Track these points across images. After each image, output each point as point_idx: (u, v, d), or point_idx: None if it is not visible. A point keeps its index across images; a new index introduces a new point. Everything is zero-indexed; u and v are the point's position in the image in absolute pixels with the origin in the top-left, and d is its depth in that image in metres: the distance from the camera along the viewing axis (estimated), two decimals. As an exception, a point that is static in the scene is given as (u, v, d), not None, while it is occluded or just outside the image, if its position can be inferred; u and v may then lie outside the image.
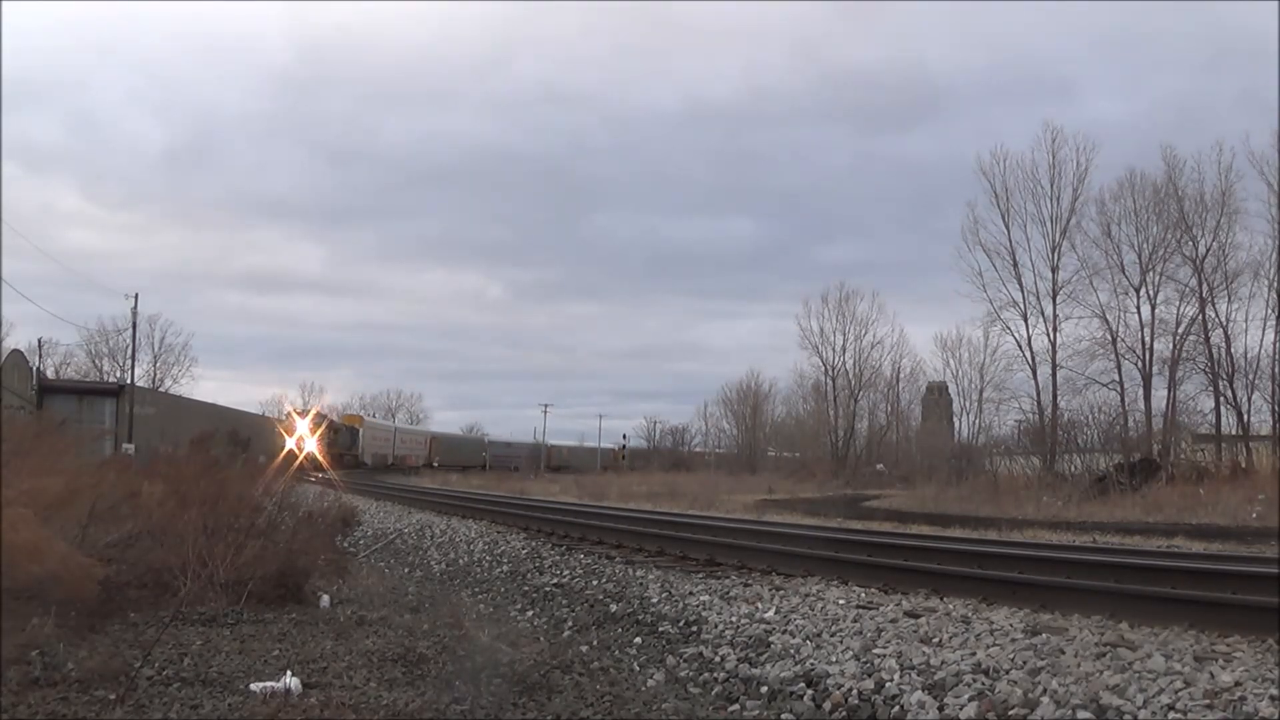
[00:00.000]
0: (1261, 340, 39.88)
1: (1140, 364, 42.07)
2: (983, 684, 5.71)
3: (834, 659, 6.63)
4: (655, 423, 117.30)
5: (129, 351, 53.77)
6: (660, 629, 8.42)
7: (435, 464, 76.74)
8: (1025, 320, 45.29)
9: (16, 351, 40.10)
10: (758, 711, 6.15)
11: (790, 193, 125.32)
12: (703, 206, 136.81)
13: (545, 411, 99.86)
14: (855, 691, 5.98)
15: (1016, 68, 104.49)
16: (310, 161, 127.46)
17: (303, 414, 57.06)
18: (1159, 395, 41.89)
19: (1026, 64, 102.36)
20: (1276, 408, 38.70)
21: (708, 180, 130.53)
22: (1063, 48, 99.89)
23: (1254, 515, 24.73)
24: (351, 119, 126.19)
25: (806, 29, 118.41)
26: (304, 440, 55.94)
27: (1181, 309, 41.39)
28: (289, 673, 5.70)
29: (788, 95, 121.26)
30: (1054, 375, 44.10)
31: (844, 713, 5.85)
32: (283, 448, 50.50)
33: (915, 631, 7.15)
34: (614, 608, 9.51)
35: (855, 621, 7.64)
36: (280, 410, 62.39)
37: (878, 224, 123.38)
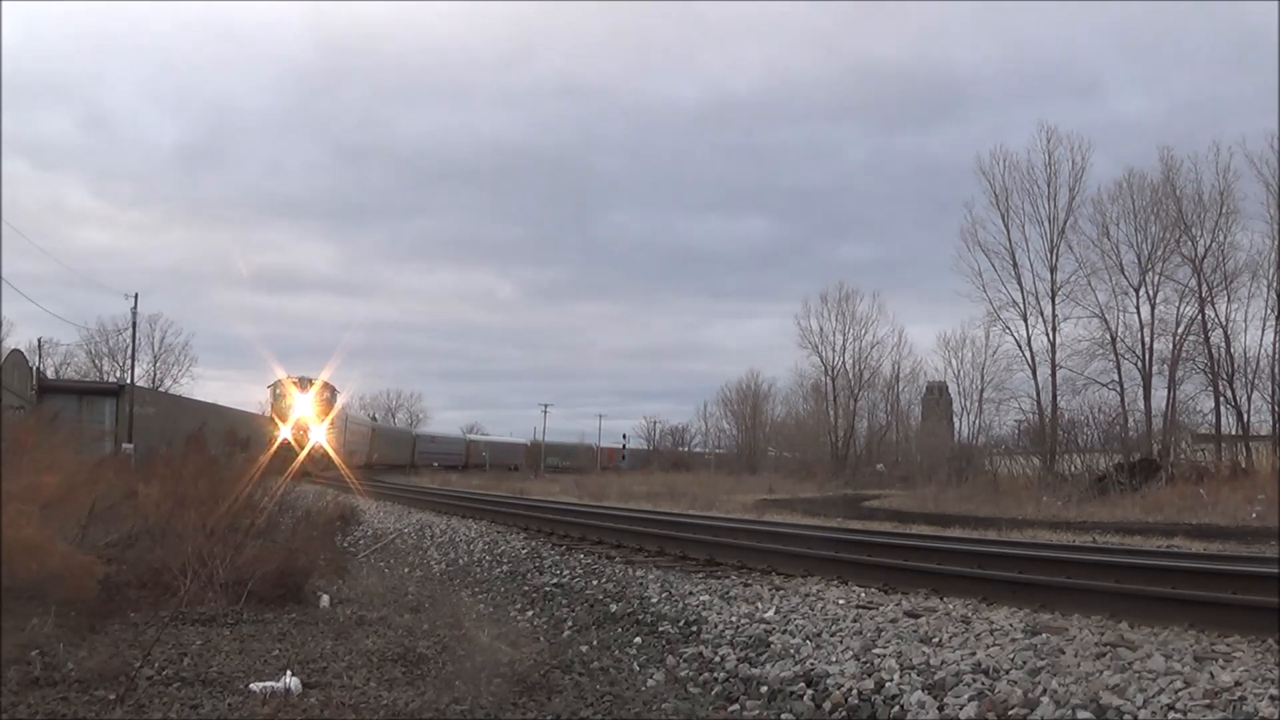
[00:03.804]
0: (1261, 340, 39.96)
1: (1140, 364, 42.09)
2: (983, 684, 5.71)
3: (834, 659, 6.63)
4: (655, 422, 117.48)
5: (129, 351, 53.73)
6: (660, 629, 8.42)
7: (374, 459, 63.82)
8: (1025, 320, 45.35)
9: (16, 351, 40.07)
10: (758, 711, 6.15)
11: (807, 190, 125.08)
12: (718, 204, 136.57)
13: (545, 411, 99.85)
14: (855, 691, 5.98)
15: (1039, 65, 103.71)
16: (324, 159, 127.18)
17: (304, 385, 46.61)
18: (1159, 395, 41.96)
19: (1050, 61, 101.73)
20: (1276, 408, 38.72)
21: (724, 177, 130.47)
22: (1086, 45, 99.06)
23: (1254, 515, 24.74)
24: (367, 115, 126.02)
25: (829, 24, 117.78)
26: (307, 427, 44.45)
27: (1181, 309, 41.47)
28: (289, 673, 5.71)
29: (808, 91, 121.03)
30: (1054, 375, 44.13)
31: (844, 713, 5.85)
32: (272, 439, 40.61)
33: (915, 631, 7.15)
34: (614, 607, 9.51)
35: (855, 621, 7.64)
36: (273, 389, 49.32)
37: (894, 222, 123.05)
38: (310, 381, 45.71)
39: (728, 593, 9.41)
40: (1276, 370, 38.89)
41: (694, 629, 8.19)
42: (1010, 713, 5.30)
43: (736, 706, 6.27)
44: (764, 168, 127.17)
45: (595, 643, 8.13)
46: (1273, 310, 39.27)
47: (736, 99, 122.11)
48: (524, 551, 14.39)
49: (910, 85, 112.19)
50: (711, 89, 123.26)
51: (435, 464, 75.20)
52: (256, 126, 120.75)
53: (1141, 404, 41.87)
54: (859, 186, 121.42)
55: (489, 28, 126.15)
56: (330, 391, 47.50)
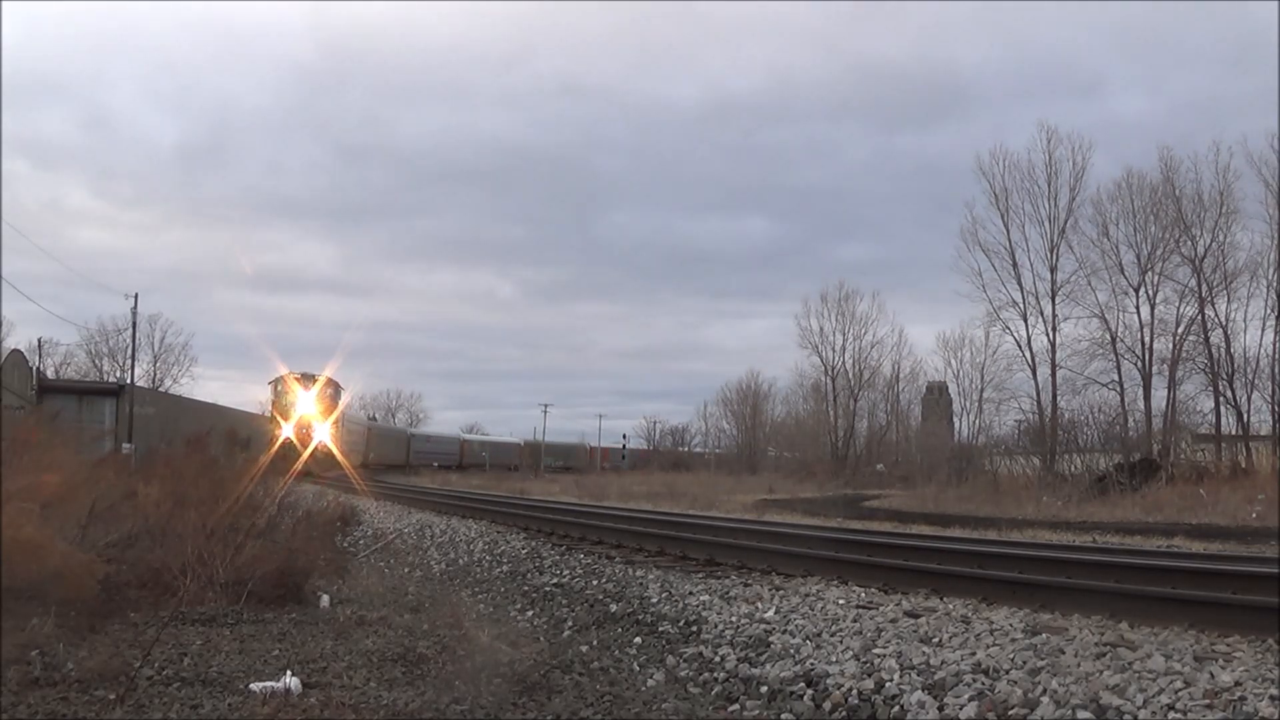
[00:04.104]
0: (1261, 340, 39.98)
1: (1140, 364, 42.10)
2: (983, 684, 5.71)
3: (834, 659, 6.63)
4: (655, 422, 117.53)
5: (129, 351, 53.69)
6: (660, 629, 8.42)
7: (370, 459, 58.63)
8: (1025, 320, 45.37)
9: (16, 351, 40.06)
10: (758, 711, 6.15)
11: (807, 190, 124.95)
12: (719, 204, 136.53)
13: (545, 411, 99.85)
14: (855, 691, 5.98)
15: (1040, 65, 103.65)
16: (324, 158, 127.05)
17: (307, 382, 44.53)
18: (1159, 395, 41.97)
19: (1051, 61, 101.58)
20: (1276, 408, 38.73)
21: (724, 177, 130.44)
22: (1088, 45, 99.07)
23: (1254, 515, 24.73)
24: (367, 115, 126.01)
25: (830, 24, 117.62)
26: (310, 424, 42.94)
27: (1181, 309, 41.49)
28: (289, 673, 5.71)
29: (808, 91, 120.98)
30: (1054, 375, 44.14)
31: (844, 713, 5.85)
32: (273, 438, 38.91)
33: (915, 631, 7.15)
34: (614, 607, 9.51)
35: (855, 621, 7.64)
36: (274, 385, 46.29)
37: (895, 222, 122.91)
38: (313, 378, 43.91)
39: (728, 593, 9.41)
40: (1276, 370, 38.92)
41: (694, 629, 8.19)
42: (1010, 713, 5.29)
43: (736, 706, 6.27)
44: (765, 167, 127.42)
45: (595, 643, 8.13)
46: (1273, 310, 39.34)
47: (737, 99, 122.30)
48: (524, 551, 14.39)
49: (911, 85, 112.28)
50: (712, 89, 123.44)
51: (435, 464, 74.80)
52: (257, 126, 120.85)
53: (1141, 404, 41.94)
54: (859, 186, 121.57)
55: (489, 27, 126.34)
56: (334, 388, 45.67)
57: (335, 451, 39.80)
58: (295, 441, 37.24)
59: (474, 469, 77.73)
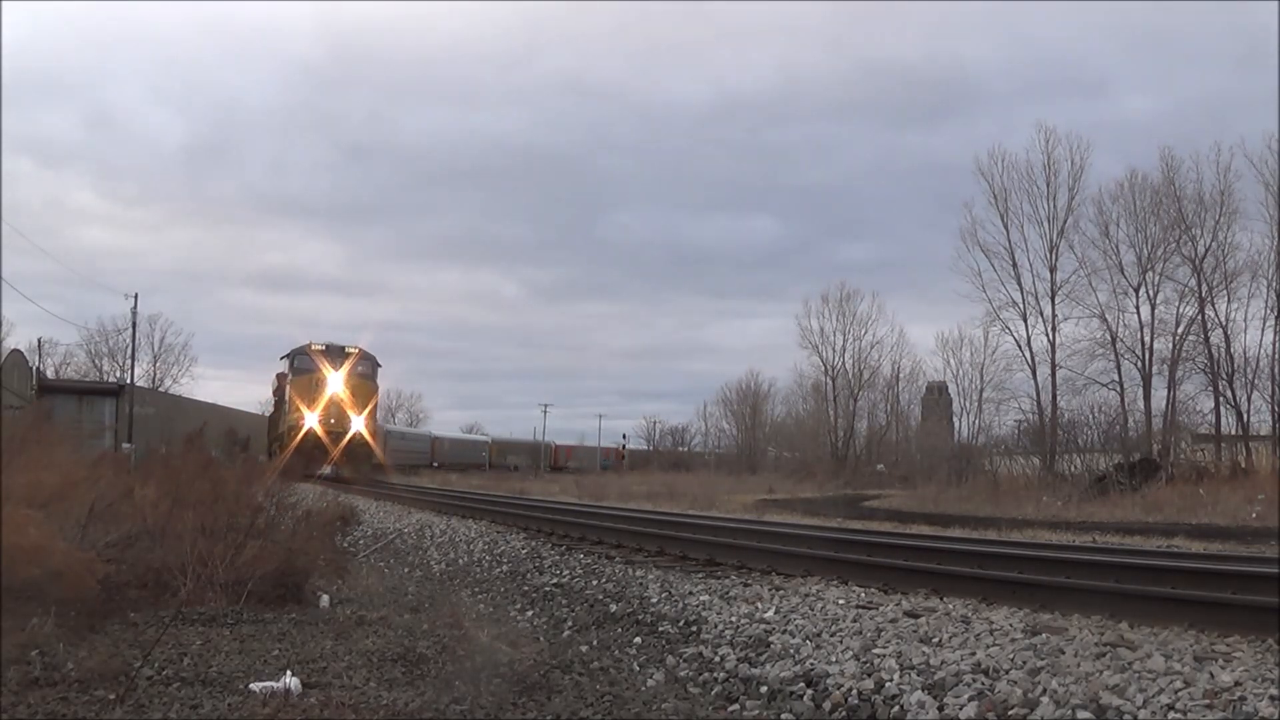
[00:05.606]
0: (1261, 340, 39.95)
1: (1140, 364, 42.10)
2: (983, 684, 5.71)
3: (834, 659, 6.63)
4: (655, 422, 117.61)
5: (129, 351, 53.70)
6: (660, 629, 8.42)
7: None
8: (1024, 320, 45.36)
9: (16, 351, 40.14)
10: (757, 711, 6.15)
11: (813, 190, 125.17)
12: (724, 204, 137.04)
13: (545, 411, 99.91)
14: (855, 691, 5.98)
15: (1047, 64, 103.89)
16: (329, 157, 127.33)
17: (335, 356, 33.48)
18: (1159, 395, 41.97)
19: (1057, 60, 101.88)
20: (1276, 408, 38.72)
21: (730, 177, 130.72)
22: (1095, 45, 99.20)
23: (1254, 515, 24.72)
24: (373, 114, 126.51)
25: (837, 22, 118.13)
26: (344, 408, 32.74)
27: (1181, 309, 41.49)
28: (289, 673, 5.71)
29: (815, 90, 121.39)
30: (1053, 375, 44.13)
31: (844, 713, 5.85)
32: (291, 429, 31.20)
33: (915, 631, 7.14)
34: (614, 607, 9.51)
35: (855, 621, 7.64)
36: (290, 360, 35.81)
37: (900, 222, 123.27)
38: (344, 351, 33.79)
39: (728, 593, 9.41)
40: (1276, 370, 38.91)
41: (694, 629, 8.19)
42: (1010, 713, 5.29)
43: (736, 706, 6.27)
44: (770, 167, 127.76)
45: (595, 643, 8.13)
46: (1272, 310, 39.30)
47: (743, 98, 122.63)
48: (524, 551, 14.39)
49: (917, 84, 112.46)
50: (718, 88, 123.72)
51: (435, 464, 75.22)
52: (261, 125, 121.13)
53: (1141, 404, 41.93)
54: (865, 185, 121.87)
55: (495, 26, 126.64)
56: (370, 365, 35.16)
57: (374, 448, 32.32)
58: (321, 434, 30.42)
59: (476, 469, 77.97)
